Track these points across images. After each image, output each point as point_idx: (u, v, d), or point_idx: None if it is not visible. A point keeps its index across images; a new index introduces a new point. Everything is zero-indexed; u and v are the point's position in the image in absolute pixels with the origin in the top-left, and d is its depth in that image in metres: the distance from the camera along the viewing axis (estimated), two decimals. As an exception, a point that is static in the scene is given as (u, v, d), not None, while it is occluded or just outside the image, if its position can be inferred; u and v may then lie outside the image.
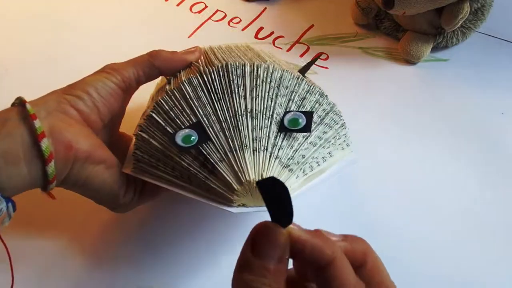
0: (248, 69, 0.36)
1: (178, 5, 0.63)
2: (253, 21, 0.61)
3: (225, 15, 0.62)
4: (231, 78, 0.35)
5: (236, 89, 0.34)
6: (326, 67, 0.55)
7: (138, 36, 0.58)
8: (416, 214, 0.42)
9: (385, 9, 0.52)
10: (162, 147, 0.33)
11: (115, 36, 0.58)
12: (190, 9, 0.63)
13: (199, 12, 0.62)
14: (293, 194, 0.31)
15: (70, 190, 0.34)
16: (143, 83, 0.38)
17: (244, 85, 0.35)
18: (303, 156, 0.33)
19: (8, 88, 0.52)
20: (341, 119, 0.38)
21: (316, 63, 0.55)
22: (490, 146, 0.47)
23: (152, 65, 0.37)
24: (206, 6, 0.63)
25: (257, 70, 0.36)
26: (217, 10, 0.62)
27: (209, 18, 0.61)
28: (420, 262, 0.38)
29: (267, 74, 0.36)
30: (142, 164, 0.35)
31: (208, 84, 0.35)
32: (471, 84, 0.53)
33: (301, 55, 0.56)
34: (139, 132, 0.35)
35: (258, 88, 0.35)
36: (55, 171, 0.31)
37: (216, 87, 0.35)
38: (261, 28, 0.60)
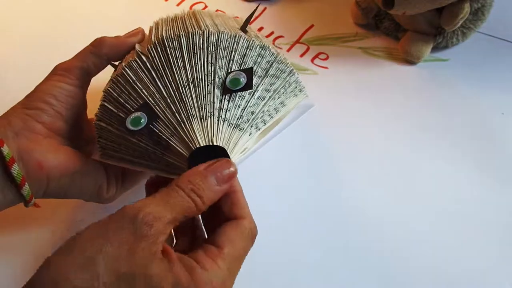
0: (184, 40, 0.36)
1: (178, 5, 0.63)
2: (253, 21, 0.61)
3: (225, 15, 0.62)
4: (168, 52, 0.35)
5: (175, 62, 0.35)
6: (326, 67, 0.55)
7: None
8: (414, 214, 0.41)
9: (385, 9, 0.51)
10: (119, 133, 0.34)
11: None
12: (190, 9, 0.63)
13: (199, 12, 0.62)
14: (248, 151, 0.33)
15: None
16: (95, 74, 0.38)
17: (182, 56, 0.35)
18: (253, 113, 0.34)
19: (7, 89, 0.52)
20: (287, 67, 0.38)
21: (316, 63, 0.55)
22: (490, 146, 0.46)
23: (99, 54, 0.37)
24: (206, 6, 0.63)
25: (193, 38, 0.36)
26: (217, 10, 0.62)
27: (209, 18, 0.61)
28: (419, 263, 0.39)
29: (203, 40, 0.36)
30: (106, 150, 0.35)
31: (147, 64, 0.35)
32: (471, 84, 0.52)
33: (301, 55, 0.56)
34: (97, 122, 0.35)
35: (196, 56, 0.35)
36: (31, 192, 0.32)
37: (156, 64, 0.35)
38: (261, 28, 0.60)
